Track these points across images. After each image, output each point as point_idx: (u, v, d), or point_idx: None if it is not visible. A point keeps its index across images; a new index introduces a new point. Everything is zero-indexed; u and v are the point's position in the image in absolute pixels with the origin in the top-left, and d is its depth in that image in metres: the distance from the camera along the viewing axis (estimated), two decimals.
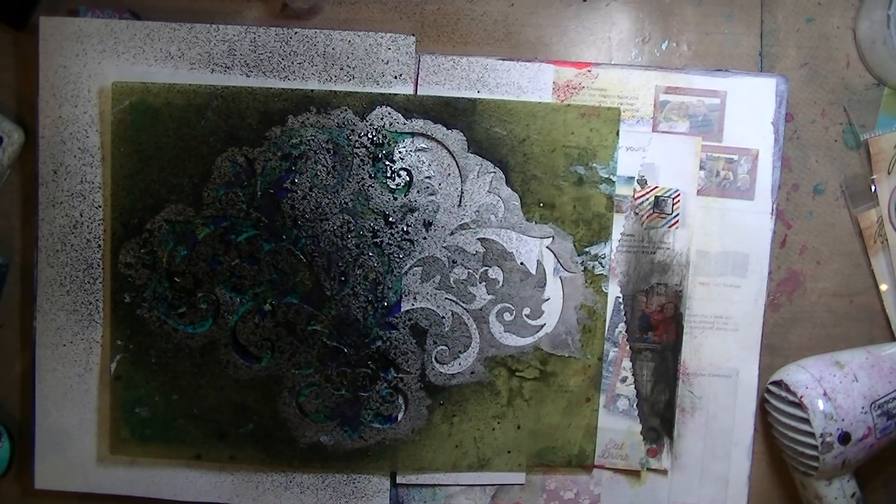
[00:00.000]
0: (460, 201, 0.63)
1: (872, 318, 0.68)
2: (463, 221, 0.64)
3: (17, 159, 0.65)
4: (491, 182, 0.63)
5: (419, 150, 0.63)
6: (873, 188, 0.66)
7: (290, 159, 0.63)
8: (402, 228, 0.63)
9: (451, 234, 0.63)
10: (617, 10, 0.67)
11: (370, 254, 0.63)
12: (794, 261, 0.67)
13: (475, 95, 0.64)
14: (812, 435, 0.61)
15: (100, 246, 0.64)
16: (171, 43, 0.64)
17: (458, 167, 0.63)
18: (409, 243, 0.64)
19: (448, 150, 0.63)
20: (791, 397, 0.63)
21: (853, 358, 0.64)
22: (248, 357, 0.64)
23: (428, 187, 0.63)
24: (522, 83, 0.64)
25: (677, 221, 0.64)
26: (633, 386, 0.65)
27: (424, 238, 0.64)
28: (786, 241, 0.67)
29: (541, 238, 0.64)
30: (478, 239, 0.64)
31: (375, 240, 0.63)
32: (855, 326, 0.68)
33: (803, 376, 0.63)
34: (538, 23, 0.66)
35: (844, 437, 0.61)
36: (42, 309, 0.65)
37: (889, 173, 0.66)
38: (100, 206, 0.64)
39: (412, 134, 0.63)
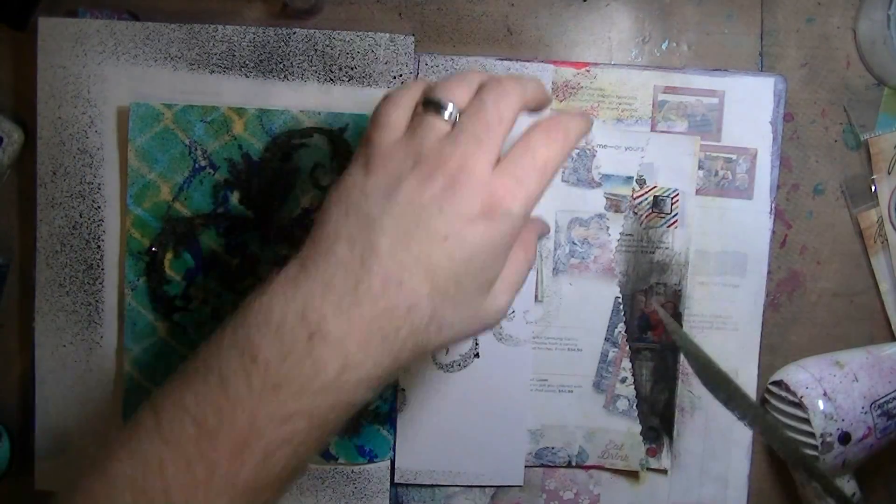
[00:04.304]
0: None
1: (872, 318, 0.68)
2: None
3: (17, 159, 0.65)
4: None
5: None
6: (873, 188, 0.66)
7: (290, 159, 0.63)
8: None
9: None
10: (617, 10, 0.67)
11: None
12: (794, 261, 0.67)
13: None
14: (812, 435, 0.61)
15: (99, 247, 0.64)
16: (171, 44, 0.64)
17: None
18: None
19: None
20: (791, 397, 0.63)
21: (853, 358, 0.64)
22: None
23: None
24: None
25: (676, 221, 0.64)
26: (632, 387, 0.65)
27: None
28: (786, 241, 0.67)
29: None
30: None
31: None
32: (855, 326, 0.68)
33: (803, 376, 0.63)
34: (538, 23, 0.66)
35: (844, 437, 0.61)
36: (41, 310, 0.65)
37: (889, 173, 0.65)
38: (99, 207, 0.64)
39: None
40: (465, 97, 0.44)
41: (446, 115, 0.43)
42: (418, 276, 0.41)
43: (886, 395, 0.63)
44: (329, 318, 0.40)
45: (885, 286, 0.67)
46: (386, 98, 0.46)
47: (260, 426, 0.39)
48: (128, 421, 0.42)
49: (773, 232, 0.66)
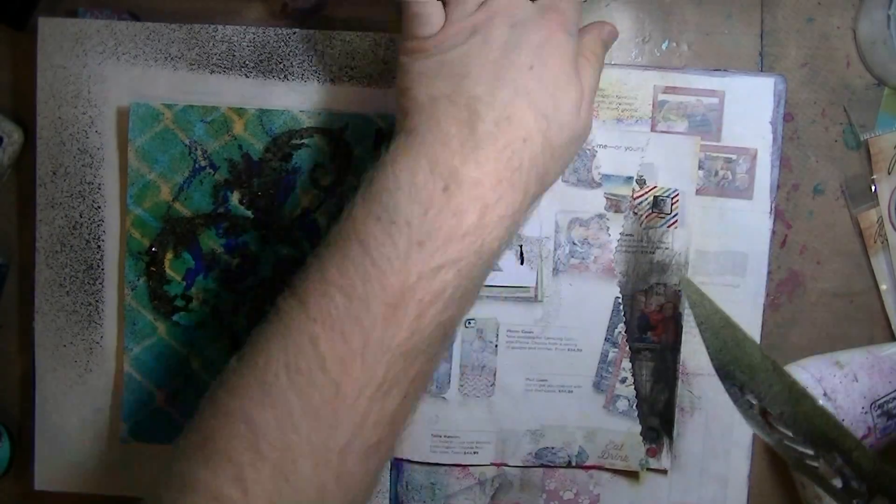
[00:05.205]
0: None
1: (872, 318, 0.67)
2: None
3: (17, 159, 0.65)
4: None
5: None
6: (873, 188, 0.66)
7: (290, 159, 0.63)
8: None
9: None
10: (617, 10, 0.67)
11: None
12: (794, 261, 0.67)
13: None
14: None
15: (99, 247, 0.64)
16: (171, 44, 0.64)
17: None
18: None
19: None
20: None
21: (853, 358, 0.64)
22: None
23: None
24: None
25: (676, 221, 0.64)
26: (632, 387, 0.65)
27: None
28: (786, 241, 0.67)
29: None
30: None
31: None
32: (855, 326, 0.68)
33: (803, 376, 0.63)
34: None
35: None
36: (41, 310, 0.65)
37: (889, 173, 0.65)
38: (99, 207, 0.64)
39: None
40: None
41: None
42: (521, 108, 0.44)
43: (886, 395, 0.62)
44: (459, 168, 0.42)
45: (885, 286, 0.67)
46: None
47: (411, 283, 0.41)
48: (268, 316, 0.44)
49: (773, 232, 0.66)
